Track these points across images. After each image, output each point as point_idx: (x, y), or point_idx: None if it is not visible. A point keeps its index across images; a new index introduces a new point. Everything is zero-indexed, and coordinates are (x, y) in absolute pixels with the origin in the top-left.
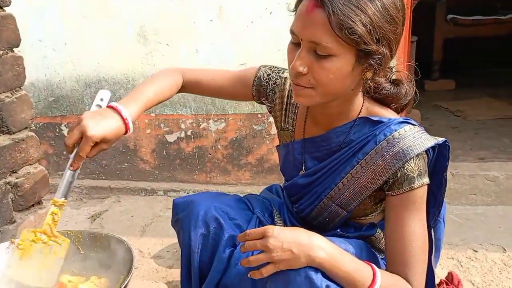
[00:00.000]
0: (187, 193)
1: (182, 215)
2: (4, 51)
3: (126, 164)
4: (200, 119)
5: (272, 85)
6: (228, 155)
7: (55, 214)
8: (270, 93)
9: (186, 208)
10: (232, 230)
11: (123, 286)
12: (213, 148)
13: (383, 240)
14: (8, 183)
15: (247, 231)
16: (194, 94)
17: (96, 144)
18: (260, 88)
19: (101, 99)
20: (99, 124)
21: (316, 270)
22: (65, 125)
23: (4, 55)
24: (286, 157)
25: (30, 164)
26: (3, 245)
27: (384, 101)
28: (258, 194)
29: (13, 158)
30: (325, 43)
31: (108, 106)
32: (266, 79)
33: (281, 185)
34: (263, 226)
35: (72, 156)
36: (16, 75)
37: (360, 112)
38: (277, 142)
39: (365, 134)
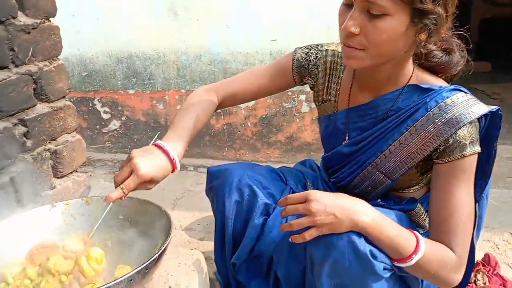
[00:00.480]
0: None
1: (216, 183)
2: (41, 20)
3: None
4: None
5: (313, 60)
6: (257, 133)
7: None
8: (313, 69)
9: (221, 176)
10: (265, 198)
11: (162, 248)
12: (243, 126)
13: (423, 215)
14: (48, 150)
15: (288, 195)
16: (234, 105)
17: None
18: (301, 69)
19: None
20: (150, 164)
21: (359, 234)
22: (97, 100)
23: (42, 24)
24: (328, 128)
25: (68, 133)
26: (46, 207)
27: (434, 69)
28: (291, 167)
29: (52, 126)
30: (379, 2)
31: (155, 145)
32: (305, 57)
33: (321, 156)
34: None
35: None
36: (53, 44)
37: (409, 80)
38: (307, 121)
39: (414, 102)
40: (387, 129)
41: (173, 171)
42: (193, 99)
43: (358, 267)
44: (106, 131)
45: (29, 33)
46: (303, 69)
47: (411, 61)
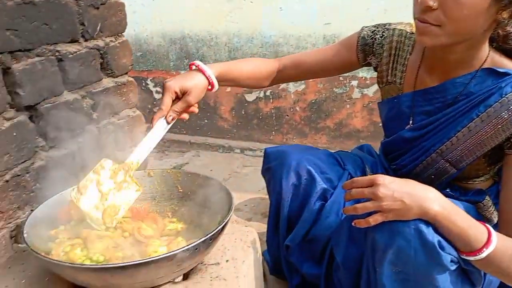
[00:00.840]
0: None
1: (274, 164)
2: None
3: (206, 120)
4: None
5: (379, 39)
6: (306, 118)
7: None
8: (378, 48)
9: (279, 158)
10: (323, 183)
11: (226, 220)
12: (291, 110)
13: (491, 208)
14: (111, 123)
15: (354, 178)
16: (295, 80)
17: (180, 98)
18: (365, 47)
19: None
20: (178, 78)
21: (427, 223)
22: (150, 80)
23: (109, 0)
24: (391, 111)
25: (129, 108)
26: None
27: (511, 54)
28: (349, 151)
29: (116, 100)
30: None
31: (193, 64)
32: (371, 35)
33: (381, 141)
34: None
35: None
36: (119, 21)
37: (484, 63)
38: (358, 107)
39: (487, 87)
40: (456, 114)
41: (210, 87)
42: (250, 58)
43: (424, 257)
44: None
45: (98, 8)
46: (367, 48)
47: (487, 43)
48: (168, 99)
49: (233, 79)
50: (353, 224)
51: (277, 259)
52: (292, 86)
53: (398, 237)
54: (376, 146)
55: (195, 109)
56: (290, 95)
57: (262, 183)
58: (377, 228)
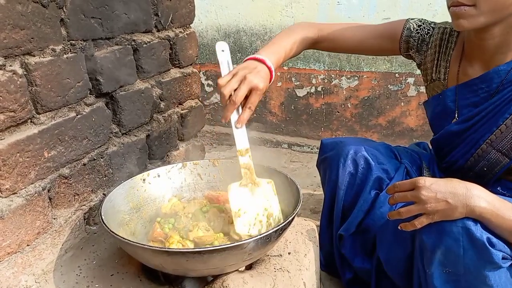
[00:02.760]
0: (311, 149)
1: (330, 154)
2: None
3: (254, 115)
4: (333, 75)
5: (424, 35)
6: (357, 115)
7: (245, 162)
8: (422, 44)
9: (336, 147)
10: (379, 172)
11: (295, 212)
12: (342, 106)
13: None
14: (176, 113)
15: (396, 183)
16: (329, 51)
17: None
18: (409, 39)
19: (222, 50)
20: (261, 77)
21: (475, 221)
22: (202, 73)
23: None
24: (436, 108)
25: (192, 99)
26: (178, 165)
27: None
28: (406, 146)
29: (181, 90)
30: None
31: (251, 58)
32: (417, 29)
33: (430, 140)
34: (410, 177)
35: (234, 115)
36: (188, 12)
37: None
38: (413, 105)
39: None
40: (502, 102)
41: (270, 80)
42: (295, 27)
43: (474, 256)
44: (208, 104)
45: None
46: (412, 40)
47: None
48: (258, 100)
49: (284, 61)
50: (399, 227)
51: (329, 254)
52: (344, 82)
53: (446, 237)
54: None
55: None
56: (342, 91)
57: (310, 179)
58: (424, 230)
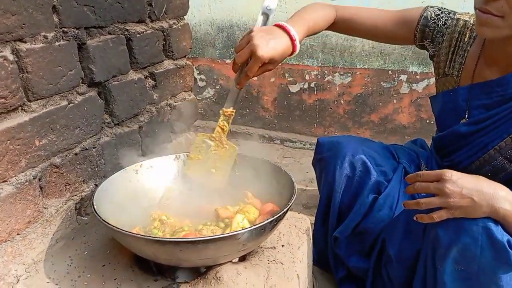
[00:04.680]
0: (303, 145)
1: (327, 155)
2: None
3: (247, 110)
4: (326, 72)
5: (440, 26)
6: (349, 111)
7: (225, 123)
8: (437, 35)
9: (333, 148)
10: (378, 176)
11: (290, 204)
12: (335, 103)
13: None
14: (169, 105)
15: (420, 172)
16: (344, 33)
17: (263, 64)
18: (425, 28)
19: (268, 8)
20: (269, 45)
21: (496, 222)
22: (195, 67)
23: None
24: (445, 105)
25: (186, 91)
26: (171, 157)
27: None
28: (403, 145)
29: (174, 82)
30: None
31: (276, 25)
32: (435, 19)
33: (432, 137)
34: None
35: (237, 74)
36: (182, 4)
37: None
38: (405, 103)
39: None
40: None
41: (292, 52)
42: (315, 5)
43: (491, 256)
44: (200, 98)
45: None
46: (427, 30)
47: None
48: (256, 68)
49: (308, 35)
50: (414, 218)
51: (321, 250)
52: (337, 79)
53: (464, 234)
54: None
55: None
56: (335, 88)
57: (302, 174)
58: (441, 225)
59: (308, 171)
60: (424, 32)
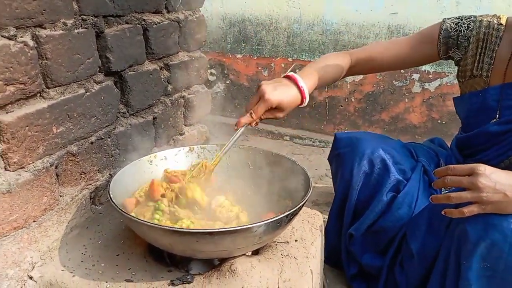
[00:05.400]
0: (313, 142)
1: (345, 150)
2: None
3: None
4: None
5: (464, 31)
6: (360, 109)
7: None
8: (463, 40)
9: (351, 144)
10: (397, 174)
11: (306, 198)
12: (346, 100)
13: None
14: (183, 97)
15: (451, 165)
16: (368, 73)
17: (272, 109)
18: (448, 39)
19: None
20: (277, 90)
21: None
22: None
23: None
24: (474, 106)
25: (199, 84)
26: (185, 148)
27: None
28: (421, 143)
29: (188, 74)
30: None
31: (285, 76)
32: (455, 28)
33: (456, 136)
34: (428, 176)
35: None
36: None
37: None
38: (417, 102)
39: None
40: None
41: (301, 102)
42: (328, 55)
43: None
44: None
45: None
46: (451, 40)
47: None
48: (262, 111)
49: (321, 85)
50: (443, 213)
51: (333, 247)
52: (349, 76)
53: (494, 230)
54: None
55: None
56: (346, 85)
57: (312, 171)
58: (470, 220)
59: (317, 168)
60: (447, 44)
